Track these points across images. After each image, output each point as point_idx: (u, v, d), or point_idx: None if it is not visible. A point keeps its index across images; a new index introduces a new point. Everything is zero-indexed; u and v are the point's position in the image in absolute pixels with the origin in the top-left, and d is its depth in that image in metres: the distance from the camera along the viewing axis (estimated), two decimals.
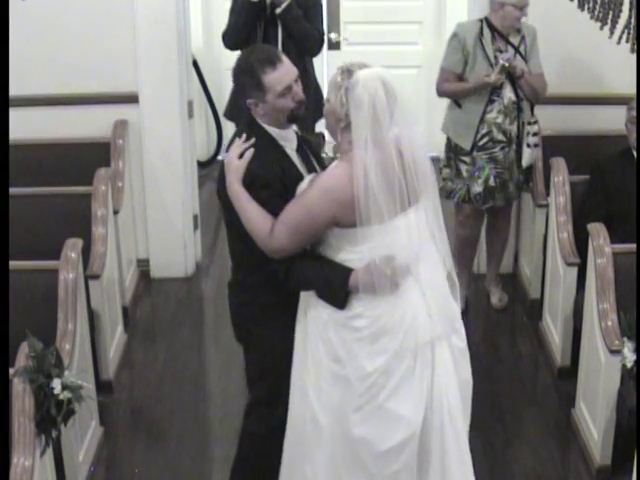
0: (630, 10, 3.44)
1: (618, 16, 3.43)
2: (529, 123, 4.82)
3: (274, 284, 3.09)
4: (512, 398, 4.47)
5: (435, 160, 6.88)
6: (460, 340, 3.16)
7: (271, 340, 3.19)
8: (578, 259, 4.43)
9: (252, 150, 3.02)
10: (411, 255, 2.97)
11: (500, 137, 4.79)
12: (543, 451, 4.09)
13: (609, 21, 3.41)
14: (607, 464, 3.91)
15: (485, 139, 4.79)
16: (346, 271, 2.96)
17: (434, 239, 3.07)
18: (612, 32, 3.43)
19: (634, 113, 4.38)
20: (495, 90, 4.73)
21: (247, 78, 3.03)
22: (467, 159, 4.84)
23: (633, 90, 4.56)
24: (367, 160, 2.85)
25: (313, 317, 3.06)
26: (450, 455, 3.09)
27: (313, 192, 2.95)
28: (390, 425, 2.99)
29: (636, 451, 3.28)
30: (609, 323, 3.83)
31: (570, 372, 4.48)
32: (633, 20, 3.39)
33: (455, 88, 4.79)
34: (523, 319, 5.11)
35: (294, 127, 3.18)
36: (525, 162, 4.86)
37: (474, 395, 4.35)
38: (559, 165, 4.74)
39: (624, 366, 3.62)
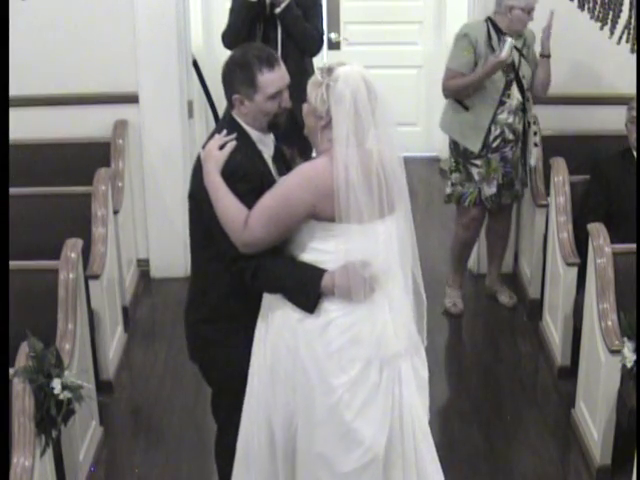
0: (630, 10, 3.44)
1: (618, 16, 3.44)
2: (534, 123, 4.86)
3: (236, 294, 2.98)
4: (512, 398, 4.47)
5: (434, 160, 6.90)
6: (423, 367, 3.04)
7: (231, 359, 3.08)
8: (578, 259, 4.43)
9: (234, 142, 2.95)
10: (385, 266, 2.87)
11: (511, 137, 4.82)
12: (543, 451, 4.09)
13: (609, 21, 3.42)
14: (607, 464, 3.91)
15: (498, 140, 4.80)
16: (319, 272, 2.84)
17: (402, 254, 2.95)
18: (612, 32, 3.44)
19: (634, 113, 4.38)
20: (505, 91, 4.74)
21: (240, 73, 2.96)
22: (479, 162, 4.83)
23: (633, 90, 4.56)
24: (348, 156, 2.78)
25: (279, 321, 2.92)
26: (427, 468, 3.00)
27: (292, 180, 2.87)
28: (352, 447, 2.88)
29: (636, 451, 3.28)
30: (609, 323, 3.83)
31: (570, 372, 4.48)
32: (633, 20, 3.39)
33: (465, 81, 4.71)
34: (523, 319, 5.12)
35: (271, 136, 3.10)
36: (533, 161, 4.91)
37: (474, 395, 4.37)
38: (559, 165, 4.74)
39: (624, 366, 3.62)
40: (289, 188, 2.85)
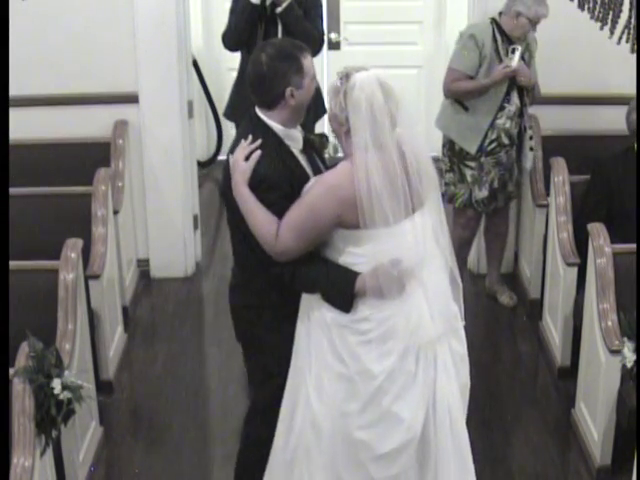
0: (630, 10, 3.43)
1: (618, 16, 3.43)
2: (530, 127, 4.88)
3: (280, 286, 3.07)
4: (512, 398, 4.47)
5: (435, 160, 6.89)
6: (460, 344, 3.14)
7: (276, 344, 3.16)
8: (578, 259, 4.43)
9: (259, 152, 2.99)
10: (417, 259, 2.95)
11: (506, 141, 4.82)
12: (543, 451, 4.09)
13: (609, 21, 3.41)
14: (607, 464, 3.91)
15: (494, 144, 4.80)
16: (353, 274, 2.95)
17: (437, 242, 3.05)
18: (612, 32, 3.43)
19: (633, 116, 4.38)
20: (506, 96, 4.74)
21: (288, 63, 2.99)
22: (473, 164, 4.84)
23: (633, 90, 4.56)
24: (368, 162, 2.84)
25: (316, 319, 3.04)
26: (451, 457, 3.09)
27: (316, 190, 2.95)
28: (391, 428, 2.99)
29: (636, 451, 3.28)
30: (609, 323, 3.83)
31: (570, 372, 4.48)
32: (633, 20, 3.38)
33: (472, 86, 4.71)
34: (523, 319, 5.12)
35: (299, 127, 3.15)
36: (530, 165, 4.92)
37: (474, 395, 4.36)
38: (559, 165, 4.74)
39: (624, 366, 3.62)
40: (314, 199, 2.93)
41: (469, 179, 4.86)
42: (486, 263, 5.36)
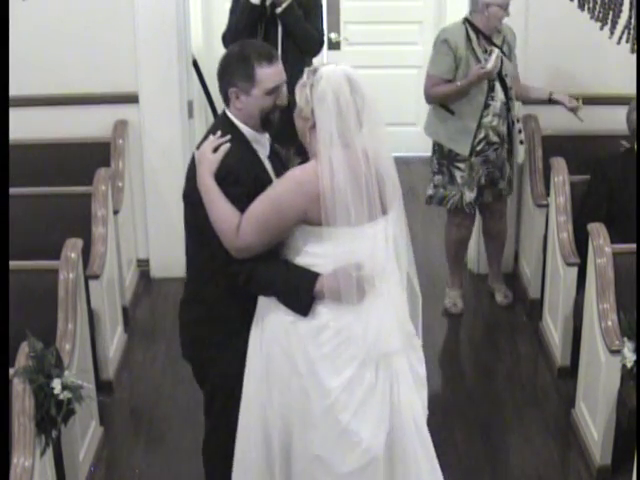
0: (630, 10, 3.44)
1: (618, 16, 3.43)
2: (518, 120, 4.88)
3: (231, 294, 2.98)
4: (512, 398, 4.47)
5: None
6: (421, 366, 3.05)
7: (226, 361, 3.07)
8: (578, 259, 4.43)
9: (228, 145, 2.93)
10: (378, 267, 2.88)
11: (495, 139, 4.82)
12: (543, 451, 4.09)
13: (609, 21, 3.41)
14: (607, 464, 3.91)
15: (482, 143, 4.80)
16: (312, 275, 2.85)
17: (397, 255, 2.95)
18: (612, 32, 3.43)
19: (634, 116, 4.39)
20: (489, 94, 4.74)
21: (239, 66, 2.94)
22: (463, 165, 4.83)
23: (633, 90, 4.56)
24: (333, 157, 2.77)
25: (273, 324, 2.93)
26: (422, 467, 2.99)
27: (282, 185, 2.86)
28: (349, 448, 2.88)
29: (636, 451, 3.28)
30: (609, 323, 3.83)
31: (570, 372, 4.48)
32: (633, 20, 3.39)
33: (448, 89, 4.71)
34: (523, 319, 5.12)
35: (267, 135, 3.09)
36: (520, 159, 4.93)
37: (474, 395, 4.37)
38: (559, 165, 4.74)
39: (624, 366, 3.62)
40: (280, 193, 2.85)
41: (459, 180, 4.85)
42: (487, 262, 5.36)
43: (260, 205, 2.85)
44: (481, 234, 5.33)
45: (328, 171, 2.77)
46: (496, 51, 4.64)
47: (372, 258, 2.86)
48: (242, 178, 2.91)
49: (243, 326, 3.02)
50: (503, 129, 4.82)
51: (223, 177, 2.90)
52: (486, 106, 4.75)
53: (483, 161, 4.83)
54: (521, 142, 4.90)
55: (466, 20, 4.76)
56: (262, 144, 3.06)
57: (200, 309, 3.10)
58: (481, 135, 4.78)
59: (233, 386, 3.05)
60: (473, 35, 4.72)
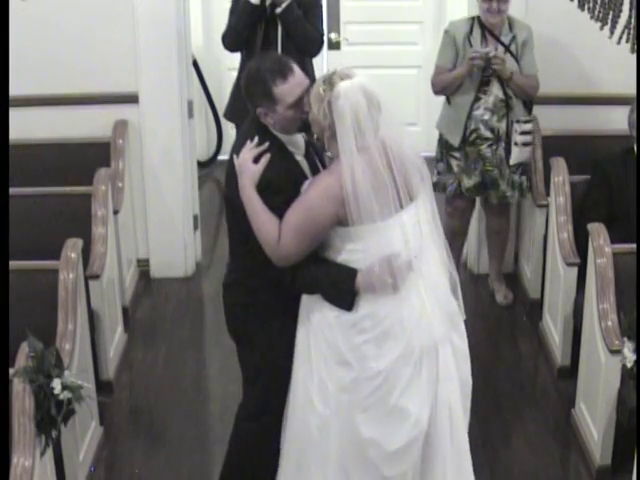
0: (630, 10, 3.43)
1: (618, 16, 3.42)
2: (518, 121, 4.83)
3: (276, 285, 3.08)
4: (512, 398, 4.47)
5: (434, 160, 6.91)
6: (461, 340, 3.17)
7: (268, 341, 3.19)
8: (578, 259, 4.43)
9: (268, 155, 3.01)
10: (410, 253, 2.98)
11: (487, 134, 4.83)
12: (543, 451, 4.09)
13: (609, 21, 3.41)
14: (607, 464, 3.91)
15: (474, 135, 4.85)
16: (352, 272, 2.97)
17: (433, 237, 3.09)
18: (612, 32, 3.42)
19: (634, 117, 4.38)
20: (482, 87, 4.78)
21: (258, 87, 3.00)
22: (457, 154, 4.90)
23: (633, 90, 4.55)
24: (354, 164, 2.88)
25: (317, 320, 3.06)
26: (449, 456, 3.11)
27: (312, 192, 2.97)
28: (399, 424, 3.01)
29: (636, 451, 3.28)
30: (609, 323, 3.83)
31: (570, 372, 4.48)
32: (633, 20, 3.38)
33: (445, 78, 4.83)
34: (523, 319, 5.12)
35: (302, 133, 3.15)
36: (512, 160, 4.89)
37: (474, 395, 4.35)
38: (559, 165, 4.74)
39: (624, 366, 3.62)
40: (311, 201, 2.96)
41: (455, 169, 4.92)
42: (488, 262, 5.36)
43: (294, 214, 2.96)
44: (481, 234, 5.34)
45: (350, 178, 2.88)
46: (488, 48, 4.67)
47: (406, 244, 2.98)
48: (281, 187, 2.99)
49: (287, 310, 3.13)
50: (499, 126, 4.82)
51: (265, 187, 2.99)
52: (477, 99, 4.78)
53: (478, 155, 4.86)
54: (515, 143, 4.86)
55: (477, 17, 4.80)
56: (297, 145, 3.12)
57: (242, 294, 3.21)
58: (472, 127, 4.82)
59: (276, 367, 3.16)
60: (478, 31, 4.75)
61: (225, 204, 3.19)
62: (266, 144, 3.03)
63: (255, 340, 3.22)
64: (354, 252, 2.99)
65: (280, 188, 2.99)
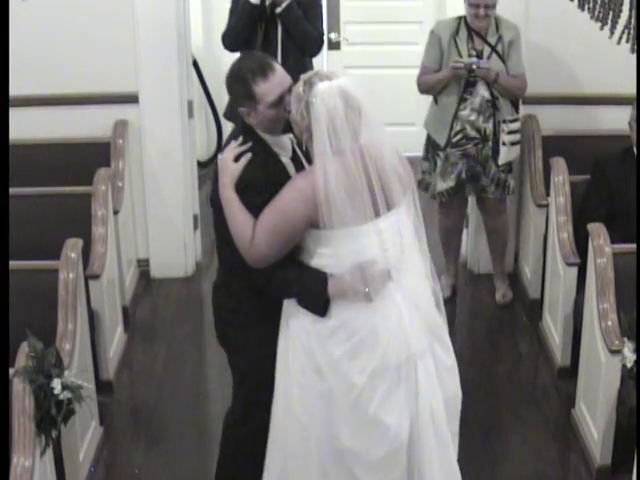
0: (630, 10, 3.43)
1: (618, 16, 3.43)
2: (504, 121, 4.83)
3: (255, 287, 3.06)
4: (512, 398, 4.47)
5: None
6: (446, 354, 3.10)
7: (254, 346, 3.16)
8: (578, 259, 4.43)
9: (249, 155, 2.99)
10: (389, 262, 2.93)
11: (473, 134, 4.85)
12: (543, 451, 4.09)
13: (609, 21, 3.41)
14: (607, 464, 3.91)
15: (459, 136, 4.86)
16: (324, 277, 2.92)
17: (412, 245, 3.02)
18: (612, 32, 3.43)
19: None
20: (467, 89, 4.78)
21: (239, 87, 2.99)
22: (442, 154, 4.92)
23: (633, 90, 4.55)
24: (327, 167, 2.83)
25: (295, 326, 3.01)
26: (436, 469, 3.05)
27: (286, 194, 2.92)
28: (378, 437, 2.96)
29: (636, 451, 3.28)
30: (609, 323, 3.83)
31: (570, 372, 4.48)
32: (633, 20, 3.38)
33: (429, 79, 4.87)
34: (523, 319, 5.12)
35: (290, 135, 3.12)
36: (501, 160, 4.90)
37: (474, 395, 4.36)
38: (559, 165, 4.74)
39: (624, 366, 3.62)
40: (285, 202, 2.91)
41: (438, 170, 4.94)
42: (491, 262, 5.37)
43: (268, 215, 2.92)
44: (481, 234, 5.35)
45: (322, 180, 2.83)
46: (473, 59, 4.70)
47: (383, 252, 2.92)
48: (262, 187, 2.96)
49: (269, 315, 3.10)
50: (485, 126, 4.83)
51: (244, 186, 2.97)
52: (463, 100, 4.80)
53: (462, 155, 4.87)
54: (503, 143, 4.86)
55: (464, 17, 4.81)
56: (283, 146, 3.09)
57: (230, 298, 3.20)
58: (458, 127, 4.84)
59: (262, 370, 3.13)
60: (464, 31, 4.76)
61: (210, 205, 3.15)
62: (248, 144, 3.00)
63: (241, 345, 3.20)
64: (325, 256, 2.93)
65: (259, 189, 2.95)
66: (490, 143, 4.87)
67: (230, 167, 2.98)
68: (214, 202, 3.09)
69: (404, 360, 2.95)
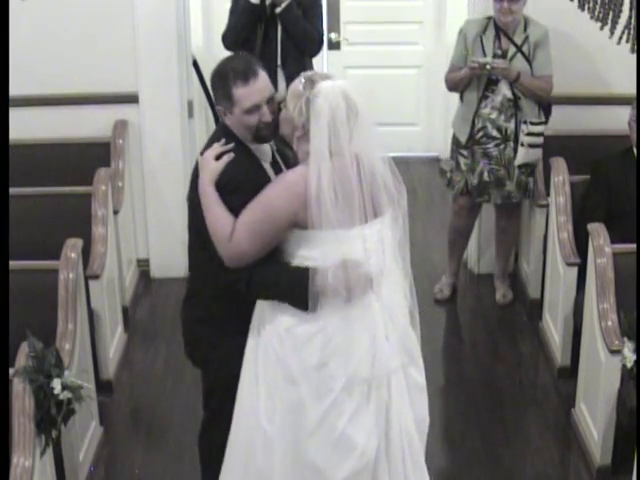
0: (630, 10, 3.44)
1: (618, 16, 3.44)
2: (524, 122, 4.82)
3: (230, 296, 2.99)
4: (512, 398, 4.47)
5: (434, 160, 6.93)
6: (419, 374, 3.05)
7: (221, 362, 3.11)
8: (578, 259, 4.43)
9: (231, 154, 2.95)
10: (373, 267, 2.88)
11: (494, 133, 4.84)
12: (543, 451, 4.09)
13: (609, 21, 3.42)
14: (607, 464, 3.91)
15: (480, 133, 4.87)
16: (307, 271, 2.85)
17: (396, 257, 2.96)
18: (612, 32, 3.44)
19: None
20: (489, 86, 4.80)
21: (219, 85, 2.96)
22: (465, 152, 4.93)
23: (633, 90, 4.56)
24: (321, 167, 2.78)
25: (267, 334, 2.94)
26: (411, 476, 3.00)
27: (274, 188, 2.87)
28: (344, 454, 2.89)
29: (636, 451, 3.28)
30: (609, 323, 3.83)
31: (570, 372, 4.48)
32: (633, 20, 3.39)
33: (452, 77, 4.92)
34: (523, 319, 5.11)
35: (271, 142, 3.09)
36: (517, 161, 4.89)
37: (473, 395, 4.36)
38: (559, 165, 4.74)
39: (624, 366, 3.62)
40: (271, 198, 2.85)
41: (463, 167, 4.96)
42: (495, 260, 5.37)
43: (252, 211, 2.86)
44: (482, 234, 5.35)
45: (316, 180, 2.78)
46: (492, 59, 4.72)
47: (366, 259, 2.87)
48: (242, 187, 2.91)
49: (239, 327, 3.03)
50: (507, 125, 4.83)
51: (223, 185, 2.91)
52: (484, 97, 4.81)
53: (483, 154, 4.87)
54: (521, 144, 4.86)
55: (492, 17, 4.82)
56: (263, 151, 3.07)
57: (199, 308, 3.13)
58: (479, 125, 4.85)
59: (229, 385, 3.07)
60: (492, 32, 4.78)
61: (187, 205, 3.08)
62: (232, 144, 2.97)
63: (209, 359, 3.15)
64: (307, 259, 2.86)
65: (239, 187, 2.91)
66: (512, 143, 4.86)
67: (211, 164, 2.93)
68: (192, 201, 3.01)
69: (377, 375, 2.89)
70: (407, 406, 2.98)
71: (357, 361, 2.87)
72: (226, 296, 3.01)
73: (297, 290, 2.87)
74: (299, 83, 2.86)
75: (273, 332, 2.93)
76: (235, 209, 2.89)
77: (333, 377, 2.86)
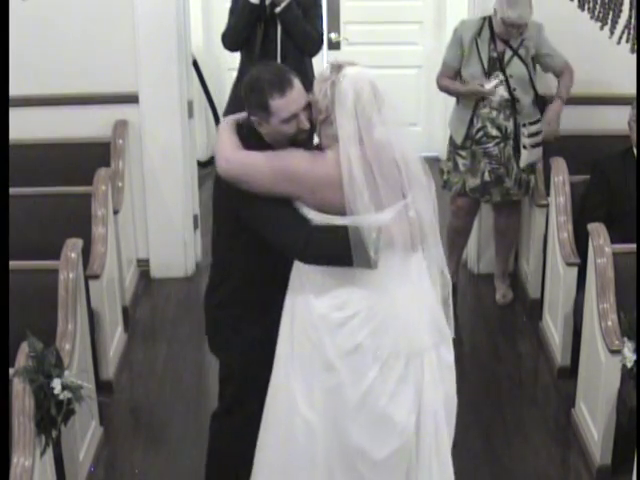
0: (630, 10, 3.43)
1: (618, 16, 3.43)
2: (524, 125, 4.84)
3: (250, 280, 3.05)
4: (512, 398, 4.47)
5: (435, 160, 6.93)
6: (449, 353, 3.08)
7: (240, 349, 3.14)
8: (578, 259, 4.43)
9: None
10: (411, 245, 2.92)
11: (494, 132, 4.84)
12: (543, 451, 4.09)
13: (609, 21, 3.41)
14: (607, 464, 3.91)
15: (480, 133, 4.86)
16: (367, 229, 2.83)
17: (426, 245, 3.00)
18: (612, 32, 3.43)
19: None
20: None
21: (255, 97, 2.96)
22: (464, 153, 4.92)
23: (633, 90, 4.56)
24: (351, 155, 2.81)
25: (301, 320, 2.97)
26: (434, 467, 3.03)
27: (295, 157, 2.90)
28: (386, 432, 2.94)
29: (636, 451, 3.28)
30: (609, 323, 3.83)
31: (570, 372, 4.48)
32: (633, 20, 3.38)
33: (450, 86, 4.93)
34: (523, 319, 5.12)
35: None
36: (522, 163, 4.89)
37: (474, 395, 4.36)
38: (559, 165, 4.74)
39: (624, 366, 3.62)
40: (289, 163, 2.88)
41: (462, 168, 4.94)
42: (495, 259, 5.37)
43: (263, 159, 2.89)
44: (482, 234, 5.35)
45: (347, 166, 2.80)
46: (498, 79, 4.74)
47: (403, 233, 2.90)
48: (255, 134, 2.98)
49: (257, 315, 3.09)
50: (507, 124, 4.83)
51: (238, 129, 3.00)
52: (482, 98, 4.81)
53: (484, 153, 4.87)
54: (524, 147, 4.86)
55: (488, 18, 4.82)
56: None
57: (220, 295, 3.18)
58: (479, 125, 4.85)
59: (247, 373, 3.12)
60: (487, 33, 4.78)
61: (214, 209, 3.14)
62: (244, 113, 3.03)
63: (229, 346, 3.19)
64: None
65: (253, 133, 2.98)
66: (511, 142, 4.87)
67: (231, 119, 3.03)
68: (219, 203, 3.07)
69: (414, 352, 2.93)
70: (439, 388, 3.02)
71: (395, 337, 2.90)
72: (248, 284, 3.06)
73: (359, 246, 2.84)
74: (326, 69, 2.90)
75: (307, 320, 2.96)
76: (248, 147, 2.96)
77: (371, 357, 2.90)
